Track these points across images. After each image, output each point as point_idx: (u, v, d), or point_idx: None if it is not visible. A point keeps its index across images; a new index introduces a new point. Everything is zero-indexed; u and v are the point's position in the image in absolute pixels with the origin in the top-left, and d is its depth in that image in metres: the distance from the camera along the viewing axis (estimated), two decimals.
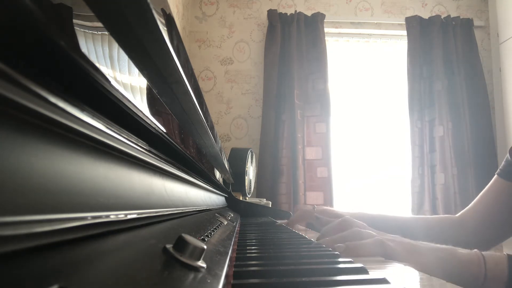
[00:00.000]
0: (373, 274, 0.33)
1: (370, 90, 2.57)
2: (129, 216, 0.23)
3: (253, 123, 2.46)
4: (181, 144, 0.40)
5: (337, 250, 0.48)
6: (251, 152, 2.01)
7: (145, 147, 0.28)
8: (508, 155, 0.76)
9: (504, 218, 0.75)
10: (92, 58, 0.17)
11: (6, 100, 0.11)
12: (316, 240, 0.57)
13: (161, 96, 0.31)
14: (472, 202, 0.81)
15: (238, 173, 1.78)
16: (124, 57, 0.22)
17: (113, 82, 0.19)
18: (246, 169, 1.84)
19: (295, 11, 2.48)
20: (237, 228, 0.75)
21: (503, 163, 0.78)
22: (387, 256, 0.48)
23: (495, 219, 0.76)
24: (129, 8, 0.17)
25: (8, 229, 0.11)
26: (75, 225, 0.15)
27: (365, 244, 0.49)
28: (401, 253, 0.48)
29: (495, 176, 0.78)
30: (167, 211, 0.34)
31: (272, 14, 2.45)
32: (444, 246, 0.50)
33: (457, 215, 0.83)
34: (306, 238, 0.64)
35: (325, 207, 0.94)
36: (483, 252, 0.48)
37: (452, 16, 2.49)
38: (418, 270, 0.43)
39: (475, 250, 0.49)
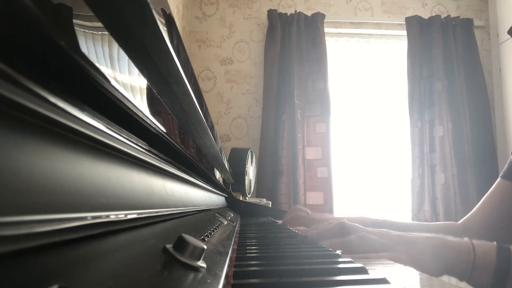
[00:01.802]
0: (373, 274, 0.33)
1: (370, 90, 2.57)
2: (129, 216, 0.23)
3: (253, 123, 2.46)
4: (181, 144, 0.40)
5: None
6: (251, 152, 2.01)
7: (145, 147, 0.28)
8: (511, 156, 0.76)
9: (509, 222, 0.74)
10: (92, 58, 0.17)
11: (6, 100, 0.11)
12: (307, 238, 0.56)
13: (161, 96, 0.31)
14: (476, 207, 0.80)
15: (238, 173, 1.78)
16: (124, 57, 0.22)
17: (113, 82, 0.19)
18: (246, 169, 1.84)
19: (295, 11, 2.48)
20: (237, 228, 0.75)
21: (506, 165, 0.77)
22: (372, 249, 0.47)
23: (501, 222, 0.75)
24: (129, 8, 0.17)
25: (8, 229, 0.11)
26: (75, 225, 0.15)
27: (350, 241, 0.49)
28: (386, 243, 0.48)
29: (499, 179, 0.77)
30: (167, 211, 0.34)
31: (272, 14, 2.45)
32: (433, 234, 0.50)
33: (461, 221, 0.82)
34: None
35: (321, 215, 0.92)
36: (473, 240, 0.48)
37: (452, 16, 2.49)
38: (408, 259, 0.43)
39: (466, 238, 0.49)
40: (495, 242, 0.48)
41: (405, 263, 0.44)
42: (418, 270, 0.43)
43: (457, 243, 0.48)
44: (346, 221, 0.60)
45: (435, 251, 0.46)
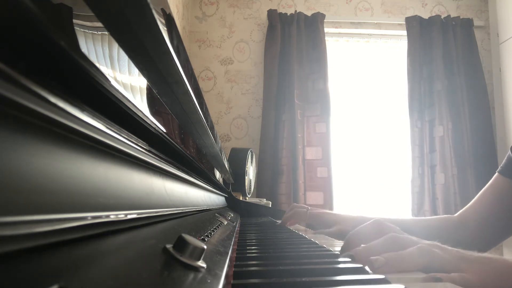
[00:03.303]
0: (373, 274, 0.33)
1: (370, 90, 2.57)
2: (129, 216, 0.23)
3: (253, 123, 2.46)
4: (181, 144, 0.40)
5: (375, 264, 0.39)
6: (251, 152, 2.01)
7: (145, 147, 0.28)
8: (510, 152, 0.76)
9: (506, 217, 0.75)
10: (92, 58, 0.17)
11: (6, 100, 0.11)
12: (341, 252, 0.47)
13: (161, 96, 0.31)
14: (472, 201, 0.81)
15: (238, 173, 1.78)
16: (124, 57, 0.22)
17: (113, 82, 0.19)
18: (246, 169, 1.84)
19: (295, 11, 2.48)
20: (237, 228, 0.75)
21: (504, 160, 0.77)
22: (435, 267, 0.40)
23: (496, 217, 0.76)
24: (129, 8, 0.17)
25: (8, 229, 0.11)
26: (75, 225, 0.15)
27: (410, 255, 0.40)
28: (450, 261, 0.40)
29: (496, 174, 0.78)
30: (167, 211, 0.34)
31: (272, 14, 2.45)
32: (496, 256, 0.42)
33: (457, 214, 0.83)
34: (306, 238, 0.64)
35: (320, 211, 0.91)
36: None
37: (452, 16, 2.49)
38: (473, 283, 0.37)
39: None
40: None
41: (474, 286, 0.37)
42: None
43: None
44: (380, 219, 0.51)
45: (503, 275, 0.39)
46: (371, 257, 0.39)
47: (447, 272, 0.38)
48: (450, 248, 0.43)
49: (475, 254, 0.42)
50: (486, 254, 0.42)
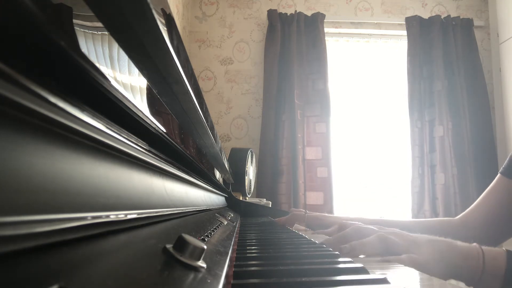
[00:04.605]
0: (373, 274, 0.33)
1: (370, 90, 2.57)
2: (129, 216, 0.23)
3: (253, 123, 2.45)
4: (181, 144, 0.40)
5: (343, 250, 0.48)
6: (251, 152, 2.01)
7: (145, 147, 0.28)
8: None
9: (508, 218, 0.75)
10: (92, 58, 0.17)
11: (6, 100, 0.11)
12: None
13: (161, 96, 0.31)
14: (475, 202, 0.81)
15: (238, 173, 1.78)
16: (124, 57, 0.22)
17: (113, 82, 0.19)
18: (246, 169, 1.84)
19: (295, 11, 2.48)
20: (237, 228, 0.75)
21: (506, 161, 0.77)
22: (390, 250, 0.48)
23: (499, 218, 0.76)
24: (129, 8, 0.17)
25: (8, 229, 0.11)
26: (75, 225, 0.15)
27: (369, 242, 0.50)
28: (402, 245, 0.48)
29: (498, 175, 0.77)
30: (167, 211, 0.34)
31: (272, 14, 2.45)
32: (443, 238, 0.50)
33: (458, 216, 0.83)
34: (306, 238, 0.64)
35: (318, 214, 0.95)
36: (482, 246, 0.48)
37: (452, 16, 2.49)
38: (418, 261, 0.44)
39: (474, 243, 0.49)
40: (504, 248, 0.48)
41: (418, 266, 0.44)
42: (426, 273, 0.43)
43: (466, 248, 0.48)
44: (361, 224, 0.61)
45: (443, 254, 0.47)
46: (341, 246, 0.49)
47: (399, 255, 0.46)
48: (405, 233, 0.52)
49: (426, 237, 0.51)
50: (434, 237, 0.51)
